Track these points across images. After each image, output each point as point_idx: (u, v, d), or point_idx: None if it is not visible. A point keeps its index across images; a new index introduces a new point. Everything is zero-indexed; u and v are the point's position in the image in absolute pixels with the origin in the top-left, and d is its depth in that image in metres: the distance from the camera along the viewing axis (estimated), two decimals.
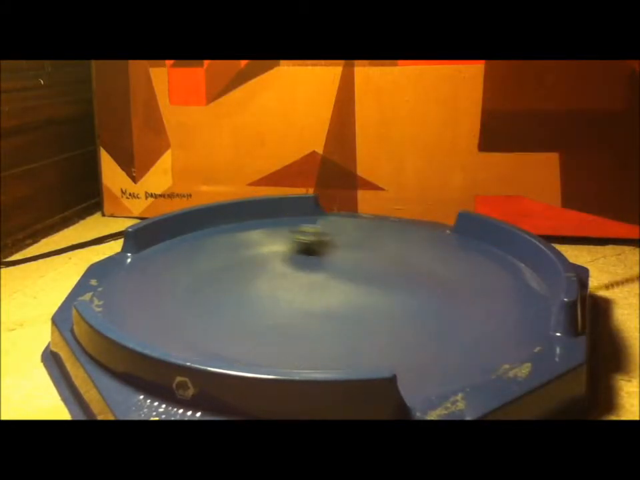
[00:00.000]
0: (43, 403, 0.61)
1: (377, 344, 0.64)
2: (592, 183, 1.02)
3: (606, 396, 0.61)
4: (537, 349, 0.59)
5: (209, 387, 0.50)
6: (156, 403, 0.51)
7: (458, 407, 0.50)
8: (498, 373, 0.55)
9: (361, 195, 1.11)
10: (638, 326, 0.75)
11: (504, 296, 0.74)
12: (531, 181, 1.04)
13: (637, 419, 0.57)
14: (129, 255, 0.84)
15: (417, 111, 1.06)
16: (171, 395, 0.51)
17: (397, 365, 0.50)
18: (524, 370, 0.55)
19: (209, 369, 0.50)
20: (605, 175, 1.01)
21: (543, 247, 0.77)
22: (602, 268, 0.93)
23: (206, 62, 1.11)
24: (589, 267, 0.82)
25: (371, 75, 1.06)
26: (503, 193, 1.05)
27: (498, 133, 1.04)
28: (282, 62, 1.09)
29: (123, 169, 1.19)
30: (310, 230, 0.86)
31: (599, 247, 1.02)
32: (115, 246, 1.04)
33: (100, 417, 0.54)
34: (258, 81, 1.10)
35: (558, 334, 0.61)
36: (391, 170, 1.09)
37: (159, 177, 1.18)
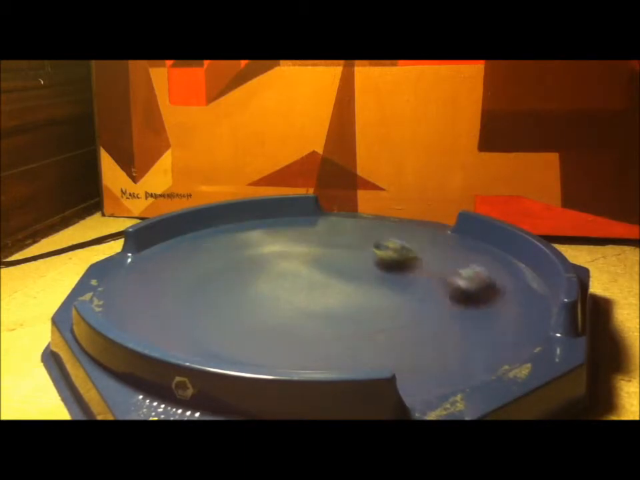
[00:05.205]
0: (43, 402, 0.61)
1: (376, 344, 0.64)
2: (592, 183, 1.02)
3: (606, 396, 0.61)
4: (537, 350, 0.59)
5: (208, 387, 0.50)
6: (155, 403, 0.51)
7: (457, 407, 0.50)
8: (498, 374, 0.55)
9: (361, 195, 1.11)
10: (638, 326, 0.75)
11: (504, 296, 0.74)
12: (531, 181, 1.04)
13: (637, 419, 0.57)
14: (129, 254, 0.84)
15: (417, 111, 1.06)
16: (170, 395, 0.51)
17: (397, 365, 0.50)
18: (524, 370, 0.55)
19: (209, 369, 0.50)
20: (604, 174, 1.01)
21: (543, 247, 0.77)
22: (602, 268, 0.93)
23: (206, 62, 1.11)
24: (589, 267, 0.82)
25: (370, 75, 1.06)
26: (503, 193, 1.05)
27: (498, 132, 1.04)
28: (282, 62, 1.09)
29: (123, 169, 1.19)
30: (392, 245, 0.81)
31: (599, 247, 1.02)
32: (115, 246, 1.04)
33: (99, 417, 0.54)
34: (258, 80, 1.10)
35: (558, 334, 0.61)
36: (391, 170, 1.09)
37: (159, 176, 1.18)
